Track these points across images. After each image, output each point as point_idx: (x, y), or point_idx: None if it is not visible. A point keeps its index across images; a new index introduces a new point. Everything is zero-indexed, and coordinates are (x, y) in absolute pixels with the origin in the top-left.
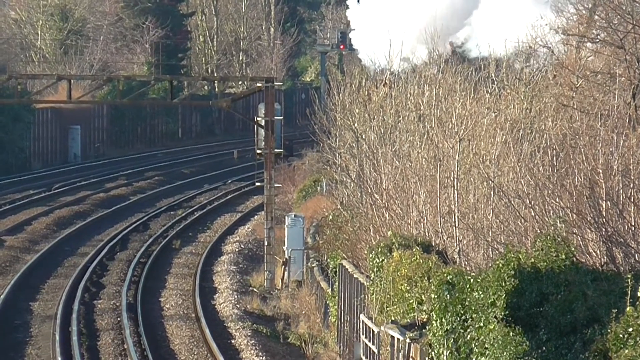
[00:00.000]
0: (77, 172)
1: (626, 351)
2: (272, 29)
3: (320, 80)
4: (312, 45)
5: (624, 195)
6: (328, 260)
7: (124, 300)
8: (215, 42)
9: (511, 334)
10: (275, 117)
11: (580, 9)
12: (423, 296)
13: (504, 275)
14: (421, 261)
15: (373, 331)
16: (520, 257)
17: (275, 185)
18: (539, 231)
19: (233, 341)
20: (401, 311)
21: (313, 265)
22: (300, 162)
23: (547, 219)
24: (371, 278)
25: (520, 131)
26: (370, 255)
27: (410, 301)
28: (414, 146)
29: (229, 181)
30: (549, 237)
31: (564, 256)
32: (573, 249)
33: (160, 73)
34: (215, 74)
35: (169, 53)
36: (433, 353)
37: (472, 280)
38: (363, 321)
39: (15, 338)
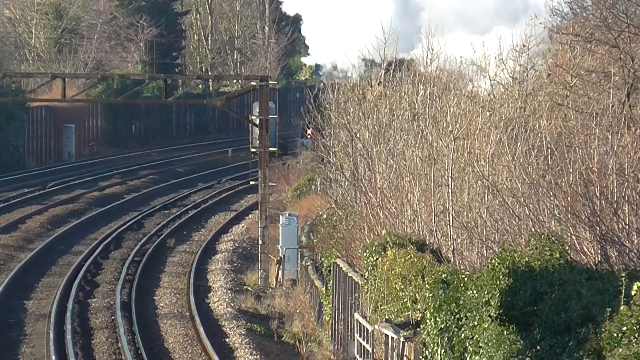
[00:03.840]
0: (72, 171)
1: (620, 350)
2: (266, 28)
3: (314, 79)
4: (306, 44)
5: (618, 194)
6: (322, 259)
7: (118, 298)
8: (209, 41)
9: (505, 332)
10: (270, 116)
11: (574, 8)
12: (417, 295)
13: (498, 274)
14: (415, 260)
15: (367, 330)
16: (515, 256)
17: (270, 184)
18: (533, 230)
19: (227, 340)
20: (395, 310)
21: (307, 264)
22: (295, 161)
23: (541, 218)
24: (365, 277)
25: (515, 130)
26: (365, 254)
27: (405, 300)
28: (409, 145)
29: (223, 180)
30: (543, 236)
31: (558, 255)
32: (567, 247)
33: (154, 72)
34: (210, 73)
35: (163, 52)
36: (427, 352)
37: (466, 279)
38: (357, 320)
39: (10, 336)
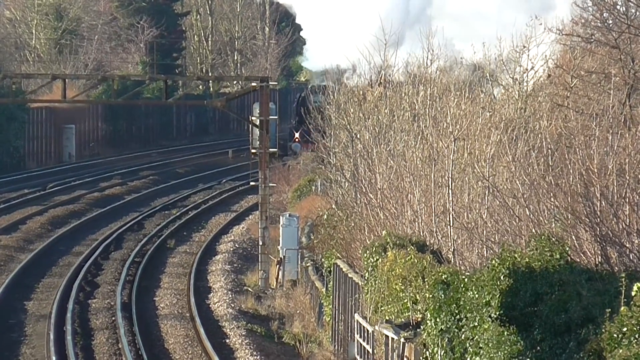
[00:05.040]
0: (72, 172)
1: (620, 351)
2: (267, 29)
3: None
4: (305, 48)
5: (618, 194)
6: (322, 259)
7: (119, 299)
8: (210, 42)
9: (505, 333)
10: (270, 117)
11: (575, 8)
12: (417, 296)
13: (498, 274)
14: (416, 261)
15: (367, 330)
16: (515, 256)
17: (270, 184)
18: (533, 231)
19: (227, 340)
20: (395, 310)
21: (307, 264)
22: (295, 162)
23: (541, 219)
24: (365, 277)
25: (515, 131)
26: (365, 255)
27: (405, 301)
28: (409, 146)
29: (224, 180)
30: (543, 236)
31: (558, 256)
32: (567, 248)
33: (154, 72)
34: (210, 74)
35: (164, 52)
36: (427, 352)
37: (466, 279)
38: (357, 320)
39: (10, 337)
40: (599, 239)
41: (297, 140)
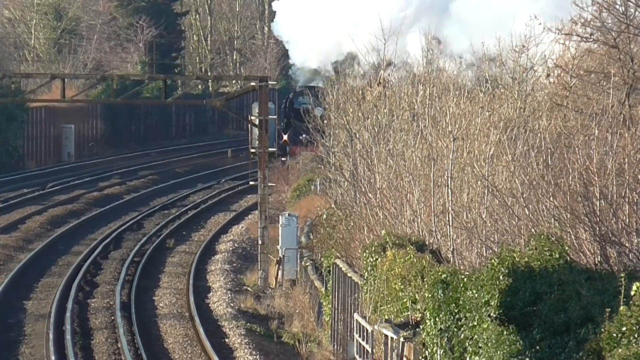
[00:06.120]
0: (71, 171)
1: (620, 350)
2: (266, 28)
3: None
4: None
5: (617, 194)
6: (322, 259)
7: (118, 299)
8: (209, 41)
9: (505, 333)
10: (269, 117)
11: (575, 7)
12: (417, 295)
13: (497, 274)
14: (415, 260)
15: (367, 330)
16: (514, 256)
17: (269, 184)
18: (532, 230)
19: (227, 340)
20: (395, 310)
21: (307, 264)
22: (294, 161)
23: (541, 218)
24: (365, 277)
25: (514, 130)
26: (364, 254)
27: (404, 300)
28: (408, 145)
29: (223, 180)
30: (542, 236)
31: (557, 255)
32: (567, 248)
33: (154, 72)
34: (209, 73)
35: (163, 52)
36: (427, 352)
37: (465, 279)
38: (357, 320)
39: (9, 337)
40: (598, 239)
41: (285, 142)
